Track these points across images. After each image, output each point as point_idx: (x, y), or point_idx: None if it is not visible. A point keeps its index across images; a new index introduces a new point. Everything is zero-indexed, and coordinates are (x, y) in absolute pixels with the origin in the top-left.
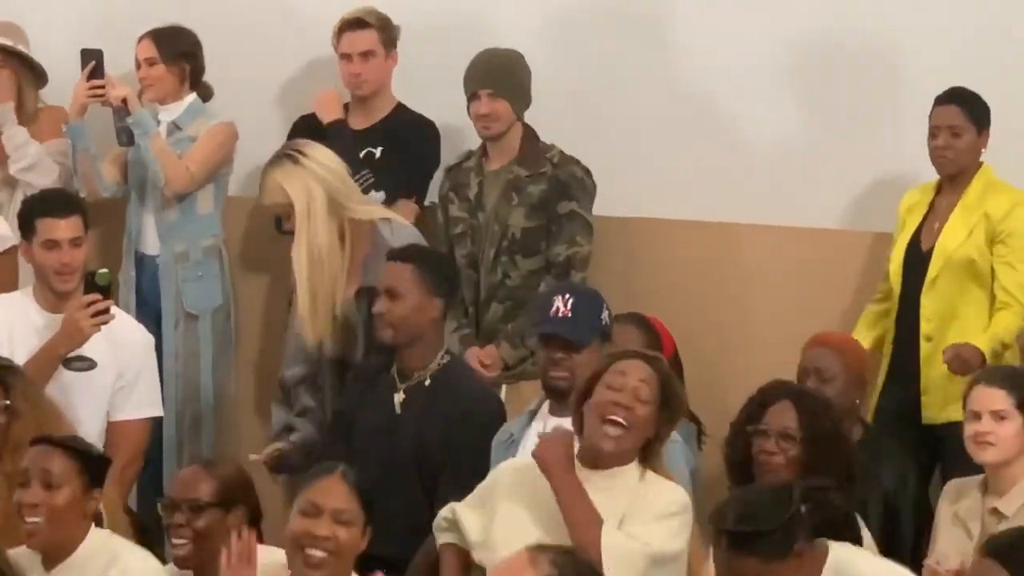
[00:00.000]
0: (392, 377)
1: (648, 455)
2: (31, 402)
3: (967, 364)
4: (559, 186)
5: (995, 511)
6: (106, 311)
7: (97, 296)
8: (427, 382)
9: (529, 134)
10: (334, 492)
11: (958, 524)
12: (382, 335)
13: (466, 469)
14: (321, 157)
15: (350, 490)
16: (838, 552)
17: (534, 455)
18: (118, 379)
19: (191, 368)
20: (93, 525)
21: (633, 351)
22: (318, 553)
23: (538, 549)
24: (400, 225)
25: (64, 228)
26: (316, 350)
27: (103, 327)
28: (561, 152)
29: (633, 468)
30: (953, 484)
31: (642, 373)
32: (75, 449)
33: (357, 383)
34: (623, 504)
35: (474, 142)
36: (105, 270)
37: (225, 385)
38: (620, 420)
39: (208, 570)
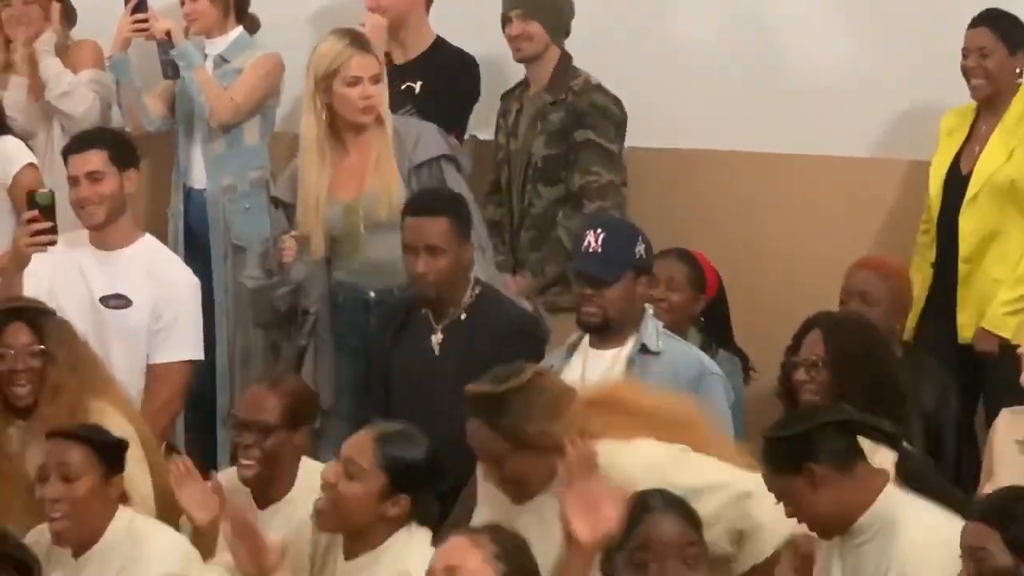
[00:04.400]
0: (426, 316)
1: None
2: (67, 346)
3: None
4: (576, 115)
5: None
6: (50, 231)
7: (34, 214)
8: (463, 316)
9: (562, 61)
10: (353, 443)
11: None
12: (425, 293)
13: None
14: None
15: (373, 447)
16: (893, 497)
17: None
18: (155, 320)
19: (240, 299)
20: (120, 507)
21: None
22: (318, 503)
23: (474, 530)
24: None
25: (80, 163)
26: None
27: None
28: (586, 79)
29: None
30: (1010, 411)
31: None
32: (90, 439)
33: (386, 329)
34: None
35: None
36: (46, 190)
37: None
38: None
39: (271, 488)
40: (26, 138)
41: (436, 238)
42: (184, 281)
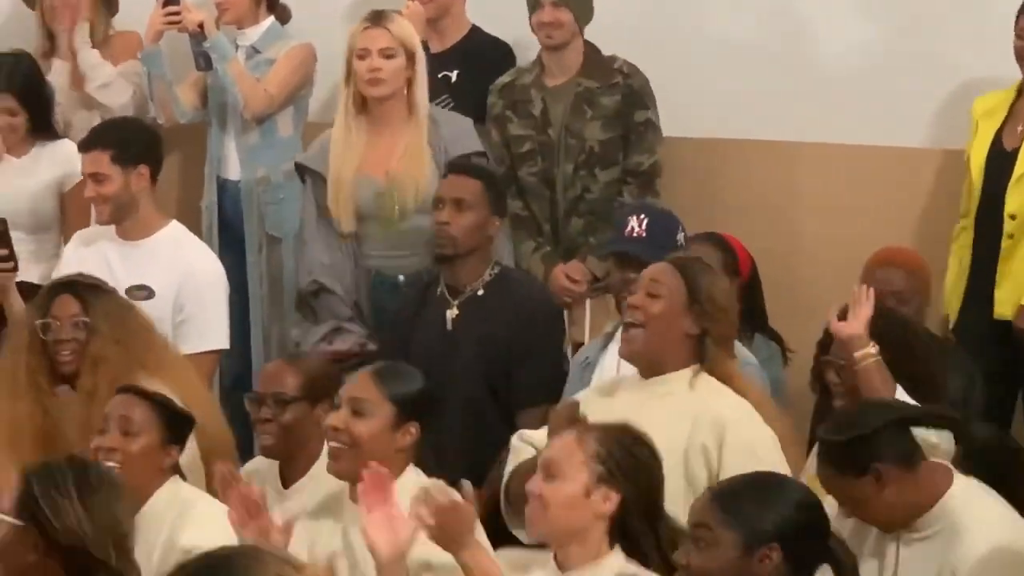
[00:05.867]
0: (442, 294)
1: (704, 355)
2: (112, 320)
3: None
4: (635, 95)
5: None
6: (7, 258)
7: None
8: (480, 292)
9: (591, 48)
10: (352, 385)
11: None
12: (443, 245)
13: (540, 362)
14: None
15: (373, 381)
16: (957, 489)
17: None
18: (178, 311)
19: (275, 290)
20: (171, 479)
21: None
22: (334, 444)
23: (584, 429)
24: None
25: (85, 163)
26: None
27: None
28: (626, 61)
29: (684, 374)
30: None
31: (654, 271)
32: (159, 403)
33: (406, 308)
34: (674, 413)
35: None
36: None
37: None
38: (633, 320)
39: (293, 466)
40: (64, 126)
41: (465, 193)
42: (207, 269)
